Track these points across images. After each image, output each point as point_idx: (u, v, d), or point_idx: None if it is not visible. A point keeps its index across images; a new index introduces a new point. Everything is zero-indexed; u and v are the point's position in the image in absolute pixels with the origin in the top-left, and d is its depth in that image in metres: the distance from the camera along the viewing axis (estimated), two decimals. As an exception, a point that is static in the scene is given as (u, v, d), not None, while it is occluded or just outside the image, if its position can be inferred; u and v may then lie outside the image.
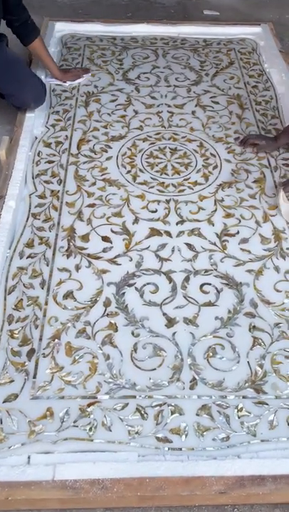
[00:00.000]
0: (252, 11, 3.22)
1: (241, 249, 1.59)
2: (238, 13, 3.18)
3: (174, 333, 1.36)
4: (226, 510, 1.15)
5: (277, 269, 1.53)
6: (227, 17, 3.08)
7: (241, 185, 1.81)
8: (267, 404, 1.23)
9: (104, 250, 1.57)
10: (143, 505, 1.12)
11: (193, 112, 2.15)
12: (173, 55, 2.51)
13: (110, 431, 1.17)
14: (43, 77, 2.15)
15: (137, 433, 1.17)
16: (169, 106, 2.18)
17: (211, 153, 1.95)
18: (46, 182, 1.79)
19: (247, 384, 1.26)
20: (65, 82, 2.22)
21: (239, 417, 1.20)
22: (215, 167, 1.89)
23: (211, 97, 2.23)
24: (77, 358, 1.30)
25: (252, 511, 1.15)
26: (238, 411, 1.21)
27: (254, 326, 1.39)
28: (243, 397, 1.24)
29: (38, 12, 2.96)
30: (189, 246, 1.59)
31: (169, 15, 3.17)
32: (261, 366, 1.30)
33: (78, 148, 1.93)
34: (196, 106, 2.18)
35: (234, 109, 2.17)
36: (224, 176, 1.85)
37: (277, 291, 1.48)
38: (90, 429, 1.17)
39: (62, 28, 2.66)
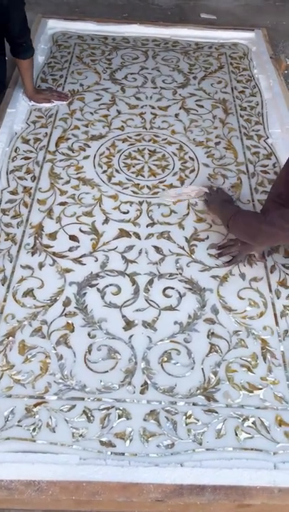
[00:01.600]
0: (249, 16, 3.21)
1: (209, 254, 1.57)
2: (235, 17, 3.16)
3: (130, 336, 1.35)
4: (167, 518, 1.13)
5: (242, 276, 1.51)
6: (224, 21, 3.06)
7: (216, 190, 1.79)
8: (216, 412, 1.21)
9: (70, 249, 1.55)
10: (80, 509, 1.10)
11: (176, 115, 2.13)
12: (163, 56, 2.50)
13: (54, 432, 1.15)
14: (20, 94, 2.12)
15: (81, 436, 1.15)
16: (153, 108, 2.16)
17: (190, 157, 1.93)
18: (20, 178, 1.78)
19: (199, 391, 1.25)
20: (30, 102, 2.10)
21: (187, 424, 1.19)
22: (192, 171, 1.87)
23: (196, 101, 2.22)
24: (29, 356, 1.29)
25: (193, 521, 1.13)
26: (186, 418, 1.20)
27: (212, 333, 1.37)
28: (193, 404, 1.22)
29: (34, 9, 2.96)
30: (157, 249, 1.58)
31: (166, 17, 3.16)
32: (215, 374, 1.28)
33: (56, 145, 1.92)
34: (180, 109, 2.16)
35: (218, 114, 2.15)
36: (200, 180, 1.83)
37: (241, 298, 1.46)
38: (34, 429, 1.16)
39: (55, 25, 2.66)
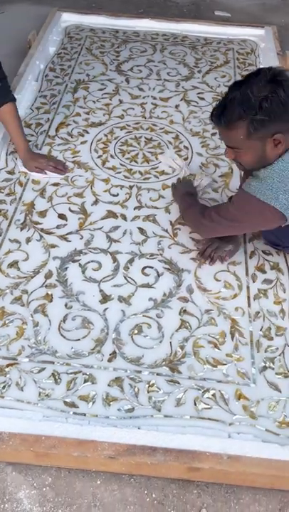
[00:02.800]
0: (264, 15, 3.23)
1: (191, 238, 1.62)
2: (249, 15, 3.19)
3: (105, 309, 1.41)
4: (123, 479, 1.19)
5: (221, 259, 1.55)
6: (238, 19, 3.09)
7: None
8: (179, 383, 1.26)
9: (57, 227, 1.63)
10: (42, 464, 1.17)
11: (176, 106, 2.18)
12: (170, 50, 2.56)
13: (22, 391, 1.23)
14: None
15: (46, 395, 1.22)
16: (155, 98, 2.22)
17: (185, 146, 1.98)
18: (18, 159, 1.86)
19: (164, 363, 1.30)
20: (28, 169, 1.79)
21: (148, 392, 1.24)
22: (185, 159, 1.92)
23: (198, 93, 2.26)
24: (7, 322, 1.36)
25: (148, 483, 1.18)
26: (149, 386, 1.25)
27: (185, 310, 1.42)
28: (158, 374, 1.28)
29: (53, 3, 3.08)
30: (141, 230, 1.63)
31: (181, 14, 3.22)
32: (182, 348, 1.33)
33: (57, 130, 2.00)
34: (180, 100, 2.21)
35: (218, 106, 2.19)
36: (192, 169, 1.88)
37: (217, 280, 1.50)
38: (4, 387, 1.23)
39: (69, 18, 2.75)
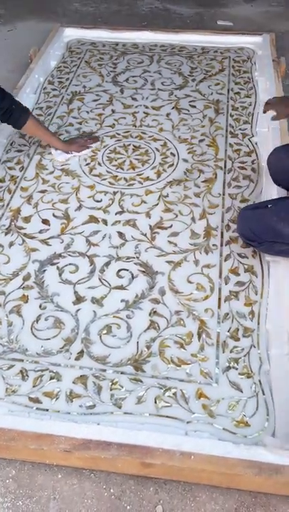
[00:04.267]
0: (267, 22, 3.24)
1: (169, 241, 1.65)
2: (252, 23, 3.22)
3: (77, 310, 1.46)
4: (84, 473, 1.22)
5: (196, 262, 1.58)
6: (241, 28, 3.13)
7: (190, 183, 1.87)
8: (141, 381, 1.29)
9: (40, 231, 1.69)
10: (5, 456, 1.22)
11: (167, 114, 2.23)
12: (167, 60, 2.61)
13: (-10, 386, 1.29)
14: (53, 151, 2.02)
15: (13, 391, 1.27)
16: (147, 107, 2.27)
17: (172, 153, 2.02)
18: (10, 168, 1.95)
19: (129, 362, 1.33)
20: (71, 153, 2.00)
21: (111, 390, 1.27)
22: (170, 165, 1.96)
23: (190, 101, 2.30)
24: (-17, 322, 1.43)
25: (107, 478, 1.21)
26: (112, 384, 1.28)
27: (155, 311, 1.45)
28: (121, 372, 1.31)
29: (59, 19, 3.21)
30: (120, 234, 1.68)
31: (185, 25, 3.28)
32: (148, 347, 1.36)
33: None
34: (172, 108, 2.26)
35: (209, 113, 2.22)
36: (176, 174, 1.91)
37: (190, 282, 1.52)
38: (-26, 382, 1.29)
39: (71, 33, 2.85)
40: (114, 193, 1.84)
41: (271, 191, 1.75)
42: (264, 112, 1.74)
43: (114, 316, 1.44)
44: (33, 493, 1.19)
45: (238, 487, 1.17)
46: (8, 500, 1.18)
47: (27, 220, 1.74)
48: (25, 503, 1.18)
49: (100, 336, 1.39)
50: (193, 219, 1.73)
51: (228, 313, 1.44)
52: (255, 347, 1.36)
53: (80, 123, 2.18)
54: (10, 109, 1.78)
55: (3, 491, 1.19)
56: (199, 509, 1.17)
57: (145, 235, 1.68)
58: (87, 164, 1.97)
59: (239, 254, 1.60)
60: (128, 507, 1.17)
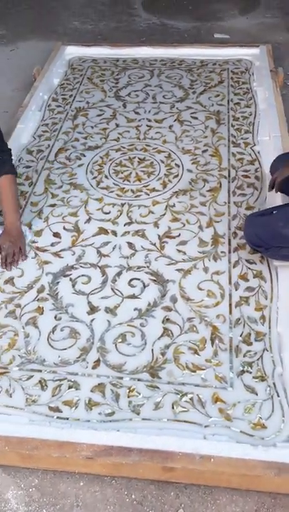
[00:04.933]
0: (263, 34, 3.32)
1: (178, 250, 1.69)
2: (248, 35, 3.29)
3: (92, 320, 1.49)
4: (105, 480, 1.24)
5: (206, 269, 1.61)
6: (237, 40, 3.20)
7: (196, 193, 1.91)
8: (158, 387, 1.31)
9: (52, 244, 1.73)
10: (28, 465, 1.24)
11: (170, 126, 2.28)
12: (167, 74, 2.68)
13: (11, 397, 1.31)
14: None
15: (33, 401, 1.30)
16: (150, 120, 2.33)
17: (176, 164, 2.07)
18: (19, 184, 1.99)
19: (145, 369, 1.36)
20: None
21: (129, 397, 1.30)
22: (176, 176, 2.00)
23: (191, 113, 2.36)
24: (0, 334, 1.46)
25: (128, 484, 1.24)
26: (129, 391, 1.31)
27: (168, 319, 1.48)
28: (138, 379, 1.34)
29: (60, 38, 3.28)
30: (130, 245, 1.72)
31: (182, 39, 3.35)
32: (163, 354, 1.39)
33: (56, 156, 2.13)
34: (174, 121, 2.31)
35: (210, 124, 2.27)
36: (182, 185, 1.96)
37: (200, 289, 1.56)
38: (-6, 394, 1.32)
39: (73, 51, 2.93)
40: (122, 205, 1.88)
41: (275, 198, 1.79)
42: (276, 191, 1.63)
43: (128, 325, 1.47)
44: (57, 501, 1.21)
45: (258, 488, 1.19)
46: (32, 508, 1.20)
47: (38, 233, 1.78)
48: (50, 511, 1.20)
49: (116, 345, 1.42)
50: (200, 227, 1.76)
51: (239, 319, 1.47)
52: (267, 350, 1.38)
53: (86, 138, 2.24)
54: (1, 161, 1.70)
55: (28, 500, 1.21)
56: (220, 511, 1.19)
57: (154, 244, 1.72)
58: (94, 178, 2.01)
59: (247, 261, 1.64)
60: (150, 512, 1.19)
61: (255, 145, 2.13)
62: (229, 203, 1.86)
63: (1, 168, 1.70)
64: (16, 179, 1.77)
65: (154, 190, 1.94)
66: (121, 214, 1.84)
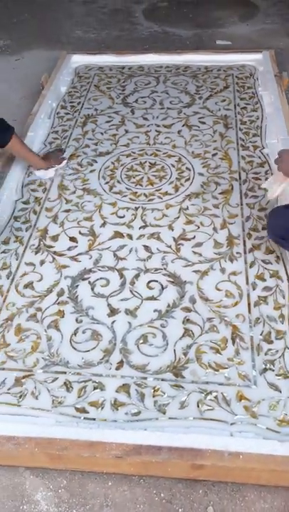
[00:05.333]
0: (264, 39, 3.37)
1: (194, 252, 1.71)
2: (249, 41, 3.34)
3: (113, 322, 1.51)
4: (133, 480, 1.25)
5: (223, 270, 1.63)
6: (239, 46, 3.25)
7: (208, 196, 1.94)
8: (182, 387, 1.33)
9: (69, 249, 1.75)
10: (56, 467, 1.25)
11: (179, 131, 2.31)
12: (173, 81, 2.71)
13: (37, 399, 1.32)
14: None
15: (59, 403, 1.31)
16: (158, 126, 2.36)
17: (187, 168, 2.09)
18: (33, 190, 2.02)
19: (168, 369, 1.37)
20: (53, 166, 2.11)
21: (154, 396, 1.31)
22: (187, 179, 2.03)
23: (199, 118, 2.39)
24: (23, 337, 1.48)
25: (156, 483, 1.25)
26: (154, 391, 1.32)
27: (188, 319, 1.49)
28: (162, 379, 1.35)
29: (64, 47, 3.33)
30: (146, 248, 1.74)
31: (184, 46, 3.40)
32: (185, 354, 1.40)
33: (68, 162, 2.16)
34: (183, 126, 2.34)
35: (218, 128, 2.31)
36: (194, 188, 1.98)
37: (218, 290, 1.58)
38: (20, 396, 1.33)
39: (78, 60, 2.96)
40: (136, 209, 1.91)
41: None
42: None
43: (148, 326, 1.49)
44: (86, 502, 1.22)
45: (286, 484, 1.20)
46: (62, 509, 1.21)
47: (55, 238, 1.80)
48: (80, 511, 1.21)
49: (138, 346, 1.44)
50: (214, 229, 1.79)
51: (258, 318, 1.49)
52: (288, 348, 1.40)
53: (96, 144, 2.26)
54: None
55: (57, 501, 1.22)
56: (249, 508, 1.20)
57: (170, 246, 1.74)
58: (106, 183, 2.04)
59: (263, 261, 1.66)
60: (180, 510, 1.20)
61: (263, 148, 2.16)
62: (242, 204, 1.89)
63: (8, 134, 1.87)
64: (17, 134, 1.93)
65: (166, 193, 1.97)
66: (135, 218, 1.86)
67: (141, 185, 2.02)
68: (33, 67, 3.16)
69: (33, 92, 2.82)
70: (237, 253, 1.69)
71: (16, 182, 2.04)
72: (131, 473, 1.24)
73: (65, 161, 2.15)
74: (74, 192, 2.00)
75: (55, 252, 1.74)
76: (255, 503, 1.20)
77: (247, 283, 1.59)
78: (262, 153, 2.14)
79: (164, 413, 1.28)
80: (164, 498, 1.22)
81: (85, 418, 1.28)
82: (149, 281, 1.62)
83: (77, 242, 1.78)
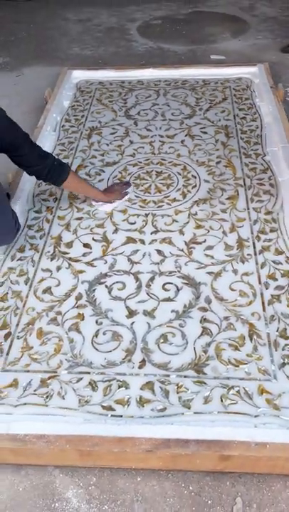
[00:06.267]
0: (255, 53, 3.50)
1: (205, 254, 1.77)
2: (242, 56, 3.47)
3: (132, 323, 1.55)
4: (162, 474, 1.28)
5: (235, 271, 1.69)
6: (233, 60, 3.37)
7: (215, 201, 2.00)
8: (205, 383, 1.37)
9: (83, 255, 1.80)
10: (86, 464, 1.28)
11: (182, 141, 2.39)
12: (173, 93, 2.80)
13: (63, 399, 1.35)
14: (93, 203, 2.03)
15: (86, 402, 1.34)
16: (162, 136, 2.43)
17: (193, 175, 2.16)
18: (44, 200, 2.07)
19: (190, 366, 1.41)
20: (114, 201, 2.01)
21: (178, 393, 1.35)
22: (194, 186, 2.09)
23: (201, 128, 2.47)
24: (45, 340, 1.51)
25: (185, 477, 1.28)
26: (177, 388, 1.36)
27: (205, 319, 1.54)
28: (185, 376, 1.39)
29: (63, 63, 3.41)
30: (159, 252, 1.79)
31: (180, 61, 3.50)
32: (205, 352, 1.45)
33: (76, 172, 2.21)
34: (185, 136, 2.42)
35: (220, 138, 2.39)
36: (201, 194, 2.05)
37: (232, 290, 1.63)
38: (47, 397, 1.36)
39: (79, 75, 3.05)
40: (146, 215, 1.96)
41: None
42: None
43: (167, 326, 1.53)
44: (117, 497, 1.25)
45: (311, 473, 1.24)
46: (94, 505, 1.23)
47: (69, 245, 1.84)
48: (111, 507, 1.23)
49: (158, 345, 1.48)
50: (224, 232, 1.85)
51: (273, 315, 1.54)
52: (304, 343, 1.46)
53: (102, 154, 2.33)
54: (52, 167, 1.78)
55: (88, 498, 1.25)
56: (276, 497, 1.23)
57: (182, 250, 1.79)
58: (115, 191, 2.10)
59: (273, 261, 1.72)
60: (209, 502, 1.23)
61: (265, 155, 2.24)
62: (248, 209, 1.95)
63: (63, 173, 1.82)
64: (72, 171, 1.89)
65: (175, 200, 2.03)
66: (146, 224, 1.92)
67: (149, 192, 2.08)
68: (34, 83, 3.23)
69: (35, 106, 2.89)
70: (248, 255, 1.75)
71: (27, 192, 2.09)
72: (159, 468, 1.27)
73: (127, 196, 2.05)
74: (84, 201, 2.05)
75: (70, 258, 1.79)
76: (282, 492, 1.24)
77: (259, 283, 1.65)
78: (264, 160, 2.22)
79: (189, 408, 1.31)
80: (193, 491, 1.25)
81: (112, 415, 1.31)
82: (165, 284, 1.67)
83: (91, 248, 1.82)
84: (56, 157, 1.86)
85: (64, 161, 2.26)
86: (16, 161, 1.77)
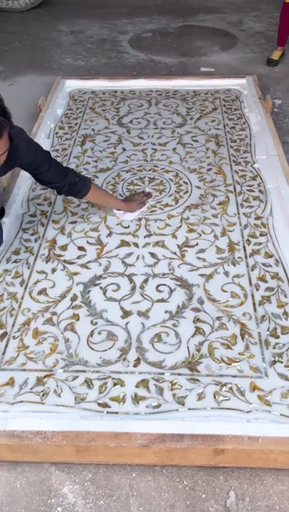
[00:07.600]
0: (243, 66, 3.60)
1: (198, 257, 1.81)
2: (231, 69, 3.56)
3: (127, 323, 1.58)
4: (156, 470, 1.31)
5: (226, 273, 1.74)
6: (222, 72, 3.46)
7: (206, 206, 2.06)
8: (198, 380, 1.40)
9: (78, 257, 1.83)
10: (82, 460, 1.30)
11: (174, 149, 2.45)
12: (164, 103, 2.87)
13: (60, 397, 1.37)
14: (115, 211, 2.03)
15: (82, 399, 1.36)
16: (154, 144, 2.49)
17: (184, 182, 2.22)
18: (38, 204, 2.10)
19: (183, 364, 1.45)
20: (134, 211, 2.02)
21: (172, 390, 1.38)
22: (186, 192, 2.15)
23: (192, 137, 2.54)
24: (41, 340, 1.53)
25: (179, 472, 1.30)
26: (172, 385, 1.39)
27: (198, 319, 1.58)
28: (179, 374, 1.42)
29: (56, 73, 3.47)
30: (152, 255, 1.83)
31: (170, 73, 3.59)
32: (198, 350, 1.48)
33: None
34: (177, 144, 2.48)
35: (211, 146, 2.45)
36: (192, 200, 2.10)
37: (224, 291, 1.67)
38: (43, 394, 1.38)
39: (72, 84, 3.10)
40: (140, 219, 2.00)
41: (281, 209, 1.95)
42: None
43: (161, 326, 1.56)
44: (112, 493, 1.26)
45: (302, 466, 1.27)
46: (90, 501, 1.25)
47: (64, 248, 1.87)
48: (107, 502, 1.25)
49: (152, 344, 1.51)
50: (215, 236, 1.90)
51: (264, 315, 1.58)
52: (294, 342, 1.50)
53: (96, 161, 2.37)
54: (74, 183, 1.82)
55: (84, 493, 1.26)
56: (268, 491, 1.26)
57: (175, 253, 1.83)
58: (109, 196, 2.14)
59: (263, 264, 1.77)
60: (203, 496, 1.26)
61: (254, 163, 2.31)
62: (239, 214, 2.01)
63: (85, 187, 1.84)
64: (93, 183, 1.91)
65: (167, 205, 2.08)
66: (140, 228, 1.96)
67: (142, 198, 2.13)
68: (27, 92, 3.28)
69: (29, 114, 2.93)
70: (238, 258, 1.80)
71: (21, 196, 2.12)
72: (154, 463, 1.29)
73: (146, 206, 2.06)
74: (79, 205, 2.09)
75: (65, 261, 1.81)
76: (274, 485, 1.27)
77: (250, 284, 1.69)
78: (253, 167, 2.28)
79: (183, 404, 1.34)
80: (187, 485, 1.28)
81: (108, 412, 1.33)
82: (158, 285, 1.70)
83: (85, 251, 1.85)
84: (78, 173, 1.87)
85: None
86: (36, 178, 1.82)
